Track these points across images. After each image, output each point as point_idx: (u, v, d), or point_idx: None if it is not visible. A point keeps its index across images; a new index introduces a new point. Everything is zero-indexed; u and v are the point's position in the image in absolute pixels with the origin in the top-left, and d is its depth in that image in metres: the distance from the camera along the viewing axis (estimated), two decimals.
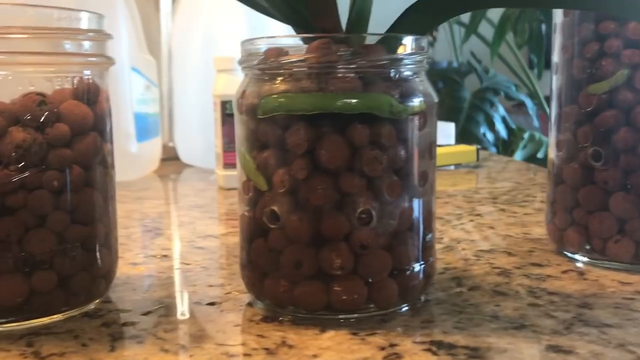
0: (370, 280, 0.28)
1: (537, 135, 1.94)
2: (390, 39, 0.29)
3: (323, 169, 0.27)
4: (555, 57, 0.38)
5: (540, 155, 1.84)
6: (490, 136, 1.98)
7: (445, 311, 0.30)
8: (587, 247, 0.36)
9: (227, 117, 0.63)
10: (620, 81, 0.34)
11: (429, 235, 0.31)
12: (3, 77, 0.27)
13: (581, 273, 0.35)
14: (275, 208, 0.28)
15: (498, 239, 0.43)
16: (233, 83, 0.64)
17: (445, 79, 2.09)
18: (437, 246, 0.41)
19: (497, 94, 2.06)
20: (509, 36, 1.83)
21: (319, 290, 0.28)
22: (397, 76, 0.28)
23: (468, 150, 0.75)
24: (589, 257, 0.36)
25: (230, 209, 0.56)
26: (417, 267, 0.29)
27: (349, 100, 0.27)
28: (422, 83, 0.30)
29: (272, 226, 0.29)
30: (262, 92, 0.28)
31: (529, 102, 2.03)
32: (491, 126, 1.97)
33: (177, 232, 0.48)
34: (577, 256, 0.37)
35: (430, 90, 0.30)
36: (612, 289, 0.32)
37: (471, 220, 0.49)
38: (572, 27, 0.36)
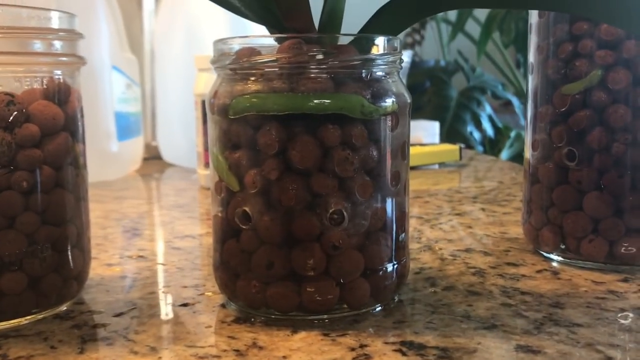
0: (342, 280, 0.28)
1: (524, 134, 1.95)
2: (363, 40, 0.29)
3: (294, 170, 0.27)
4: (531, 57, 0.38)
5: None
6: (477, 135, 1.98)
7: (417, 311, 0.30)
8: (562, 246, 0.36)
9: None
10: (594, 82, 0.34)
11: (402, 236, 0.31)
12: None
13: (555, 272, 0.35)
14: (247, 209, 0.28)
15: (475, 239, 0.43)
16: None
17: (432, 77, 2.10)
18: (415, 246, 0.41)
19: (484, 92, 2.07)
20: (496, 35, 1.84)
21: (291, 291, 0.28)
22: (369, 76, 0.28)
23: (451, 149, 0.75)
24: (563, 257, 0.37)
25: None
26: (389, 267, 0.30)
27: (320, 101, 0.27)
28: (395, 84, 0.30)
29: (244, 227, 0.28)
30: (234, 92, 0.28)
31: (515, 101, 2.04)
32: (478, 125, 1.98)
33: (155, 232, 0.48)
34: (552, 256, 0.37)
35: (404, 90, 0.30)
36: (585, 288, 0.32)
37: (450, 220, 0.49)
38: (547, 27, 0.36)
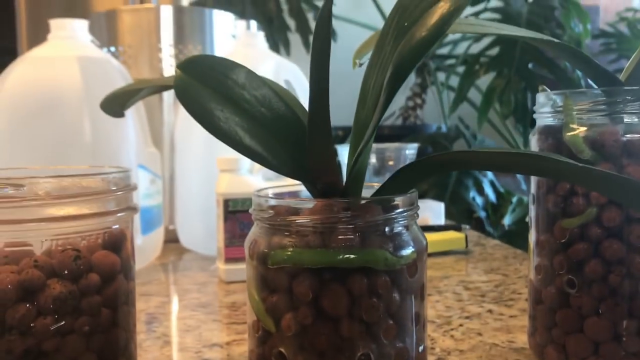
0: None
1: (525, 199, 1.99)
2: (384, 200, 0.33)
3: (326, 316, 0.31)
4: (533, 189, 0.42)
5: (528, 219, 1.88)
6: (479, 200, 2.02)
7: None
8: None
9: (229, 214, 0.67)
10: (590, 218, 0.38)
11: None
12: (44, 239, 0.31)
13: None
14: (282, 349, 0.32)
15: (485, 349, 0.46)
16: (236, 182, 0.68)
17: (434, 143, 2.15)
18: (430, 358, 0.44)
19: None
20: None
21: None
22: (391, 232, 0.32)
23: (457, 237, 0.79)
24: None
25: (232, 307, 0.59)
26: None
27: (348, 256, 0.31)
28: (413, 233, 0.33)
29: None
30: (271, 243, 0.32)
31: None
32: (480, 190, 2.02)
33: (184, 340, 0.51)
34: None
35: (420, 236, 0.34)
36: None
37: (460, 325, 0.52)
38: None
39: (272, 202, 0.33)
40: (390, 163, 0.87)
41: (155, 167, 0.79)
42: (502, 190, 2.06)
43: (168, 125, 0.92)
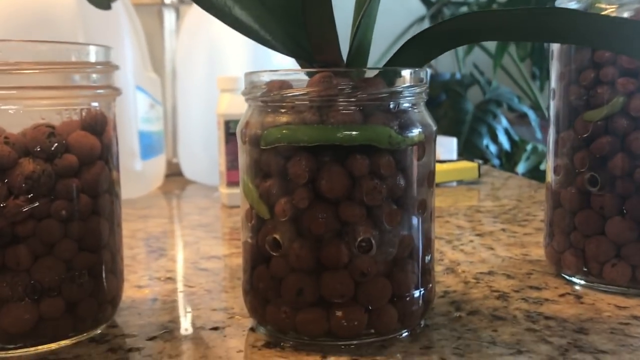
0: (370, 307, 0.29)
1: (540, 147, 1.95)
2: (390, 72, 0.29)
3: (324, 199, 0.28)
4: (553, 83, 0.38)
5: (542, 167, 1.85)
6: (493, 148, 1.98)
7: (443, 337, 0.30)
8: (585, 270, 0.37)
9: (230, 136, 0.64)
10: (615, 109, 0.35)
11: (428, 262, 0.31)
12: (15, 111, 0.28)
13: (578, 297, 0.35)
14: (277, 236, 0.29)
15: (497, 261, 0.43)
16: (236, 103, 0.65)
17: (448, 90, 2.10)
18: (437, 268, 0.42)
19: (500, 105, 2.07)
20: (512, 48, 1.84)
21: (319, 317, 0.29)
22: (396, 108, 0.29)
23: (469, 167, 0.76)
24: (586, 280, 0.37)
25: (234, 227, 0.56)
26: (416, 293, 0.30)
27: (348, 133, 0.28)
28: (421, 114, 0.30)
29: (274, 254, 0.29)
30: (265, 123, 0.29)
31: (531, 114, 2.04)
32: (494, 138, 1.98)
33: (181, 253, 0.49)
34: (574, 279, 0.38)
35: (429, 120, 0.31)
36: (608, 313, 0.33)
37: (471, 241, 0.49)
38: (569, 54, 0.36)
39: (266, 77, 0.30)
40: None
41: (155, 92, 0.76)
42: (516, 138, 2.02)
43: (170, 52, 0.88)
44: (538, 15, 0.27)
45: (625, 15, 0.34)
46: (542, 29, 0.27)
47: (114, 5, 0.69)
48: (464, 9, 2.25)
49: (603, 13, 0.34)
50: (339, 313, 0.29)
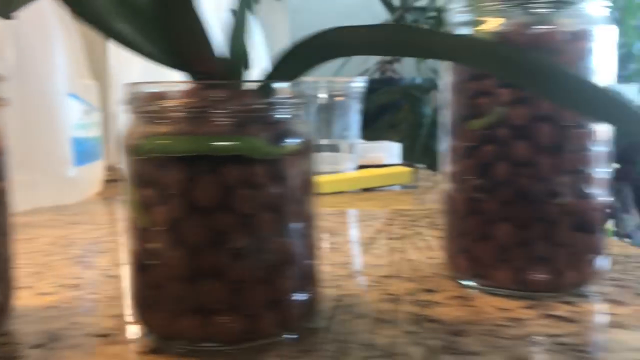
0: (248, 312, 0.30)
1: None
2: (266, 85, 0.30)
3: (198, 208, 0.29)
4: (444, 94, 0.40)
5: None
6: None
7: (323, 340, 0.31)
8: (475, 273, 0.38)
9: None
10: (496, 118, 0.36)
11: (311, 267, 0.32)
12: None
13: (466, 299, 0.37)
14: (155, 245, 0.30)
15: (404, 264, 0.45)
16: None
17: (406, 95, 2.13)
18: (342, 272, 0.43)
19: None
20: None
21: (198, 324, 0.29)
22: (271, 119, 0.30)
23: (401, 172, 0.77)
24: (477, 284, 0.38)
25: None
26: (296, 298, 0.31)
27: (220, 143, 0.29)
28: (298, 125, 0.31)
29: (154, 262, 0.30)
30: (144, 134, 0.30)
31: None
32: None
33: (97, 260, 0.49)
34: (468, 282, 0.39)
35: (308, 130, 0.32)
36: (489, 315, 0.34)
37: (385, 245, 0.50)
38: (454, 66, 0.38)
39: (145, 88, 0.30)
40: (340, 99, 0.85)
41: (91, 98, 0.76)
42: None
43: (112, 58, 0.88)
44: (399, 33, 0.28)
45: (503, 29, 0.35)
46: (403, 45, 0.28)
47: (45, 13, 0.69)
48: (430, 14, 2.28)
49: (479, 28, 0.36)
50: (217, 319, 0.29)
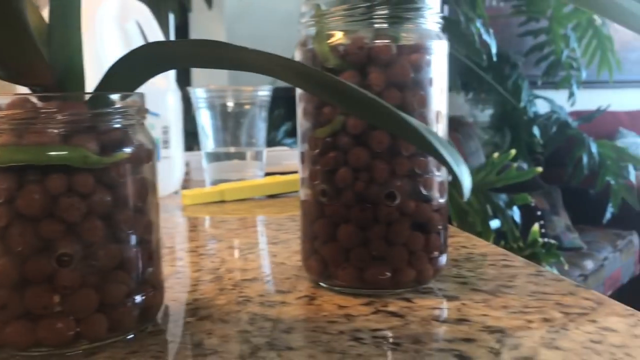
0: (77, 317, 0.31)
1: None
2: (95, 96, 0.31)
3: (24, 217, 0.30)
4: (298, 103, 0.42)
5: None
6: None
7: (157, 342, 0.32)
8: (325, 273, 0.40)
9: None
10: (337, 127, 0.38)
11: (149, 271, 0.33)
12: None
13: (313, 298, 0.39)
14: None
15: (270, 268, 0.46)
16: None
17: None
18: (206, 277, 0.44)
19: None
20: None
21: (26, 330, 0.30)
22: (100, 129, 0.31)
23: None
24: (327, 284, 0.40)
25: None
26: (130, 301, 0.32)
27: (43, 154, 0.30)
28: (132, 134, 0.32)
29: None
30: None
31: None
32: None
33: None
34: (321, 283, 0.41)
35: (144, 140, 0.33)
36: (326, 312, 0.36)
37: (262, 249, 0.52)
38: None
39: None
40: (247, 107, 0.86)
41: None
42: None
43: None
44: (215, 48, 0.30)
45: (344, 42, 0.38)
46: (218, 59, 0.30)
47: None
48: None
49: (319, 41, 0.38)
50: (45, 324, 0.30)
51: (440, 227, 0.40)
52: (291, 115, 2.37)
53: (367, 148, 0.38)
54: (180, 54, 0.31)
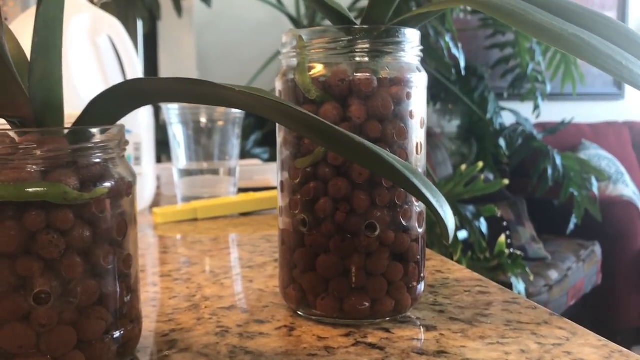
0: (54, 355, 0.30)
1: None
2: (75, 131, 0.31)
3: (0, 254, 0.29)
4: (279, 132, 0.42)
5: None
6: None
7: None
8: (304, 303, 0.40)
9: None
10: (318, 157, 0.38)
11: (128, 305, 0.33)
12: None
13: (293, 329, 0.39)
14: None
15: (247, 294, 0.46)
16: None
17: None
18: (183, 305, 0.44)
19: None
20: None
21: None
22: (79, 164, 0.30)
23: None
24: (305, 313, 0.40)
25: None
26: (109, 337, 0.32)
27: (21, 190, 0.29)
28: (113, 168, 0.32)
29: None
30: None
31: None
32: None
33: None
34: (299, 312, 0.41)
35: (124, 172, 0.33)
36: (306, 344, 0.36)
37: (238, 274, 0.52)
38: None
39: None
40: (220, 124, 0.86)
41: None
42: None
43: None
44: (195, 85, 0.30)
45: (325, 74, 0.38)
46: (199, 95, 0.30)
47: None
48: None
49: (301, 73, 0.38)
50: None
51: (418, 256, 0.40)
52: (260, 125, 2.36)
53: (348, 179, 0.38)
54: (161, 91, 0.30)
